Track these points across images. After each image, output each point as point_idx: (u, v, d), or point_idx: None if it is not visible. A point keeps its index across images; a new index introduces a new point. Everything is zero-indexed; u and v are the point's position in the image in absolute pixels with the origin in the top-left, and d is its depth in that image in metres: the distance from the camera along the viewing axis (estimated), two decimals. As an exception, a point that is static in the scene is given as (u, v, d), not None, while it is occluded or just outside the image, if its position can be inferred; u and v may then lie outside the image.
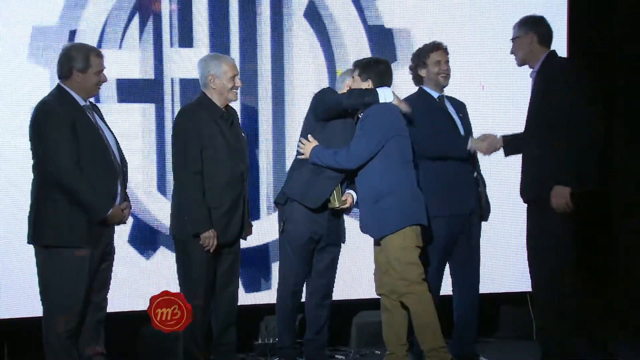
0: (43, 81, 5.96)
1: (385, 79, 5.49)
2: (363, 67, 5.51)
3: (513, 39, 5.56)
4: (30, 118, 5.05)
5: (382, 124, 5.36)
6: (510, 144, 5.69)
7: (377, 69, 5.48)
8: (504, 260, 6.45)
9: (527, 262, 5.48)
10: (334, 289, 5.84)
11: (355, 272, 6.43)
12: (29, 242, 5.08)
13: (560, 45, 6.83)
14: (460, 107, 5.94)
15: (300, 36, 6.52)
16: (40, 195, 5.01)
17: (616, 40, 7.09)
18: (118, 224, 5.18)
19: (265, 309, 6.31)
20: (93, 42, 6.04)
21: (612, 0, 7.12)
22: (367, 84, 5.46)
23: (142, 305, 6.17)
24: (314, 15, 6.54)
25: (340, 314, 6.33)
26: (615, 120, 7.00)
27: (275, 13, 6.48)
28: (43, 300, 5.04)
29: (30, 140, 5.06)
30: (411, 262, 5.32)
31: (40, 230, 4.99)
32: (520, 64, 5.56)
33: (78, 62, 5.06)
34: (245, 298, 6.19)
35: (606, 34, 7.06)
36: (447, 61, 5.81)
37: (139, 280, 6.24)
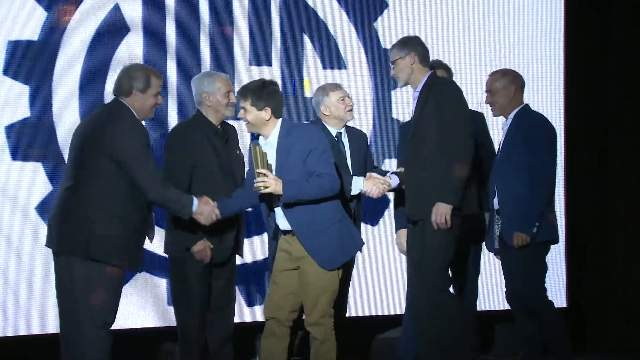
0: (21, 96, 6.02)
1: (280, 103, 5.11)
2: (256, 93, 5.06)
3: (393, 61, 5.44)
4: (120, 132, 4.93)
5: (327, 143, 5.15)
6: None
7: (274, 93, 5.08)
8: (501, 278, 6.45)
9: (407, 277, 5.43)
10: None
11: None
12: (71, 253, 4.89)
13: (557, 52, 6.96)
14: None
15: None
16: (103, 211, 4.89)
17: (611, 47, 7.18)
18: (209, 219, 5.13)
19: (263, 326, 6.29)
20: (79, 58, 6.12)
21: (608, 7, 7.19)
22: (266, 113, 5.05)
23: (137, 323, 6.21)
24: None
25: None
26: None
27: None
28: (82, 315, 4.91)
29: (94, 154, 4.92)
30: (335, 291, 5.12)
31: (98, 246, 4.86)
32: (403, 84, 5.48)
33: (139, 82, 5.02)
34: (242, 315, 6.18)
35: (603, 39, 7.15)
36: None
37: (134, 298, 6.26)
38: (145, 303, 6.25)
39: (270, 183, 4.95)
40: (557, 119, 6.86)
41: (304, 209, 5.03)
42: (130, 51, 6.23)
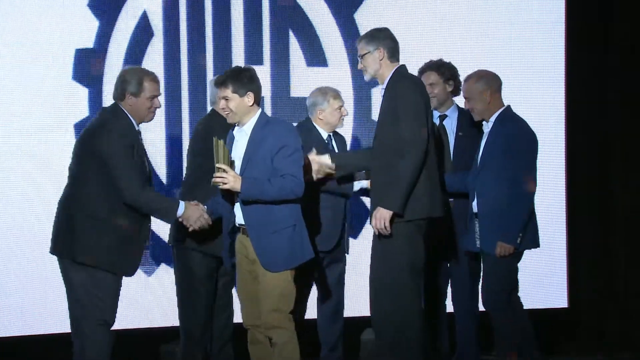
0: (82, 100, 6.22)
1: (260, 88, 5.02)
2: (236, 79, 4.94)
3: (362, 55, 5.26)
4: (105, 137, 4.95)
5: (300, 143, 5.00)
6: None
7: (253, 78, 4.98)
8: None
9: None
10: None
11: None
12: (60, 256, 4.95)
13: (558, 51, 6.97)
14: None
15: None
16: (86, 212, 4.90)
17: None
18: (198, 223, 5.10)
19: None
20: (118, 62, 6.28)
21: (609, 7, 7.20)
22: (249, 99, 4.94)
23: (138, 322, 6.20)
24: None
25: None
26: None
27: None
28: (83, 317, 4.93)
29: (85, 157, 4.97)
30: (291, 293, 4.98)
31: (82, 249, 4.88)
32: (370, 78, 5.35)
33: (131, 85, 5.03)
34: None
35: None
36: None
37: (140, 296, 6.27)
38: (146, 303, 6.25)
39: (229, 180, 4.84)
40: (558, 118, 6.90)
41: (261, 206, 4.89)
42: (153, 55, 6.40)
